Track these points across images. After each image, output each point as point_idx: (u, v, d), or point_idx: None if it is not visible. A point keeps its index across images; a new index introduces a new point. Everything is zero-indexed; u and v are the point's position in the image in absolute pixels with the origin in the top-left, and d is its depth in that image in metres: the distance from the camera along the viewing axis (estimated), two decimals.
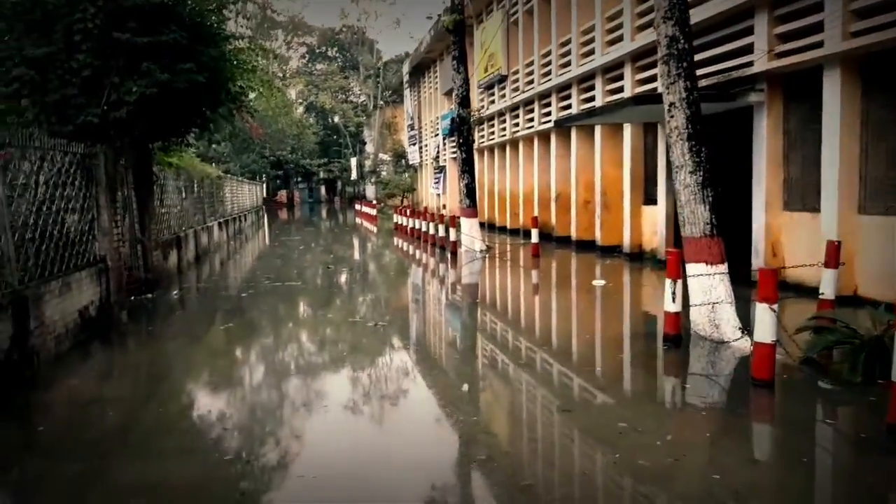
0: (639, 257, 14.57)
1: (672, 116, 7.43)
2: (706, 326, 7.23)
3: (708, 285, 7.25)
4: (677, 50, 7.35)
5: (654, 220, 13.99)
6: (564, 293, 11.37)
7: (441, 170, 32.42)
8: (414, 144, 39.80)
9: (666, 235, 13.26)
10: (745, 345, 6.69)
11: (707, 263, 7.29)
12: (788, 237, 10.41)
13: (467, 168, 17.32)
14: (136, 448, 4.77)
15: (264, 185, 57.41)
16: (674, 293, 7.00)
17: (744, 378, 5.91)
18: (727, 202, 11.08)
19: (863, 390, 5.44)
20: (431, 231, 18.87)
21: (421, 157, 38.31)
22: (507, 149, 23.27)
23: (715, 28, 11.24)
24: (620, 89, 14.85)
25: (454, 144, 30.72)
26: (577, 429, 5.02)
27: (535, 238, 15.45)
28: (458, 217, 17.20)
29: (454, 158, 30.92)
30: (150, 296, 11.03)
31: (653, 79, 13.57)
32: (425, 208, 27.02)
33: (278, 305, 10.83)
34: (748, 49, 10.56)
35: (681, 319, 7.10)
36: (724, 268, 7.33)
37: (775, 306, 5.58)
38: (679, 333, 7.07)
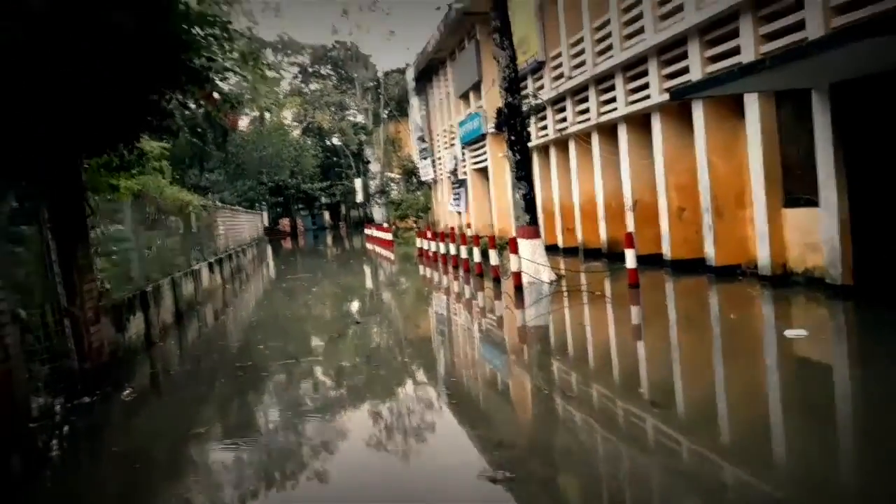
0: (784, 281, 10.45)
1: None
2: None
3: None
4: None
5: (809, 228, 9.91)
6: (755, 365, 7.11)
7: (461, 184, 28.41)
8: (426, 158, 35.73)
9: (842, 249, 9.14)
10: None
11: None
12: None
13: (523, 173, 13.22)
14: None
15: (264, 214, 53.38)
16: None
17: None
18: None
19: None
20: (477, 259, 14.76)
21: (435, 171, 34.27)
22: (553, 151, 19.15)
23: None
24: (734, 51, 10.82)
25: (476, 154, 26.86)
26: None
27: (630, 262, 11.28)
28: (516, 239, 13.10)
29: (477, 170, 27.04)
30: (87, 400, 6.95)
31: (788, 30, 9.56)
32: (452, 229, 22.95)
33: (299, 415, 6.47)
34: None
35: None
36: None
37: None
38: None
